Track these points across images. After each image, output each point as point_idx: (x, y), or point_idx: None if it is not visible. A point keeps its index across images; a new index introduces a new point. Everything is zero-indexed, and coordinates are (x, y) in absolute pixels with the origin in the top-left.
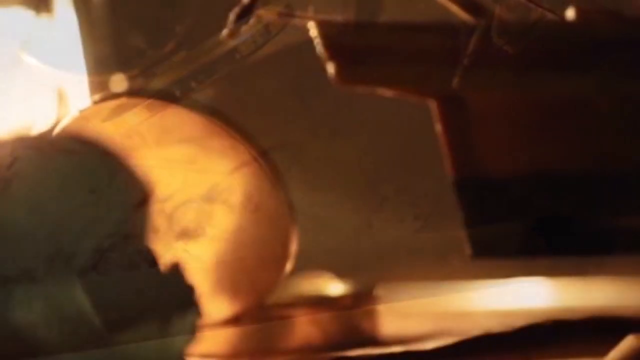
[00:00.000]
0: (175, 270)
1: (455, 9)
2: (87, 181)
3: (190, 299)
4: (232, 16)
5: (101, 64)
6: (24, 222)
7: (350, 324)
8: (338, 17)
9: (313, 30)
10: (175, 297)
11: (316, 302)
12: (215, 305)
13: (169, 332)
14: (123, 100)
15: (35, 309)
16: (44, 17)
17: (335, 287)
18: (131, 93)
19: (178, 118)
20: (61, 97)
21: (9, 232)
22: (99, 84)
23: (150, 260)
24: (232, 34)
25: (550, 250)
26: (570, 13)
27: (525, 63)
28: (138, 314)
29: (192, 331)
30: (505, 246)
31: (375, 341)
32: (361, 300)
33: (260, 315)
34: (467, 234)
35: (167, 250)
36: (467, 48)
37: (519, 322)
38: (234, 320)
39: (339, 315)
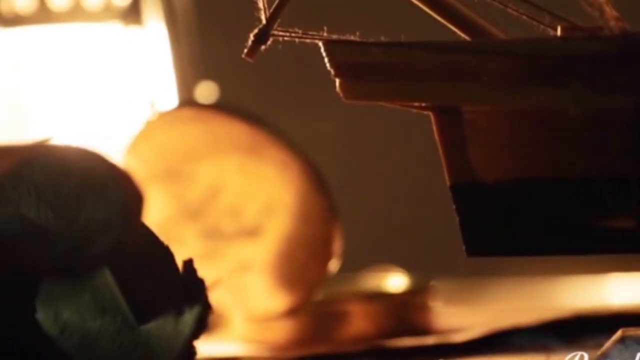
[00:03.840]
0: (188, 265)
1: (453, 27)
2: (97, 186)
3: (199, 292)
4: (251, 37)
5: (189, 73)
6: (52, 223)
7: (404, 317)
8: (344, 37)
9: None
10: (187, 290)
11: (372, 296)
12: (273, 299)
13: (181, 322)
14: (184, 110)
15: (83, 301)
16: (134, 30)
17: (391, 282)
18: (190, 103)
19: (230, 128)
20: (153, 107)
21: (42, 232)
22: (187, 93)
23: (166, 255)
24: (251, 54)
25: (540, 249)
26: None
27: (512, 77)
28: (157, 305)
29: (200, 322)
30: (497, 245)
31: (425, 333)
32: (417, 294)
33: (317, 309)
34: (462, 235)
35: (231, 249)
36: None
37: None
38: (289, 313)
39: (394, 309)
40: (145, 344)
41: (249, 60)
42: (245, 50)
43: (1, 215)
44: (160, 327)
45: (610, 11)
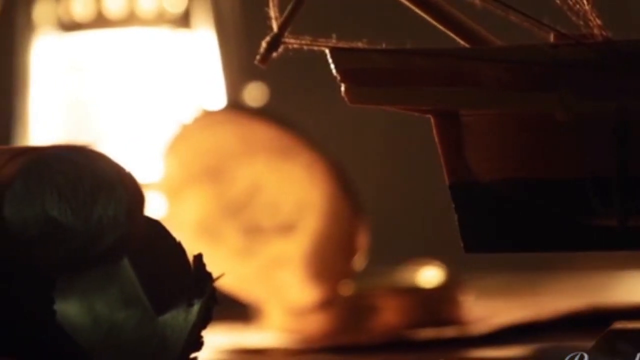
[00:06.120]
0: (198, 260)
1: (453, 35)
2: (106, 186)
3: (207, 284)
4: (263, 44)
5: (237, 76)
6: (71, 220)
7: (435, 310)
8: (351, 44)
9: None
10: (196, 282)
11: (405, 290)
12: (305, 292)
13: (191, 312)
14: (217, 113)
15: (112, 294)
16: (185, 34)
17: (425, 276)
18: (225, 107)
19: (261, 130)
20: (200, 108)
21: (63, 230)
22: (235, 95)
23: (178, 250)
24: (263, 61)
25: (532, 245)
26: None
27: (507, 83)
28: (172, 297)
29: (206, 313)
30: (492, 241)
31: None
32: (449, 288)
33: (351, 302)
34: (460, 231)
35: (268, 245)
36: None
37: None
38: (321, 305)
39: (425, 303)
40: (161, 334)
41: (262, 66)
42: (258, 57)
43: (29, 214)
44: (174, 317)
45: (594, 20)
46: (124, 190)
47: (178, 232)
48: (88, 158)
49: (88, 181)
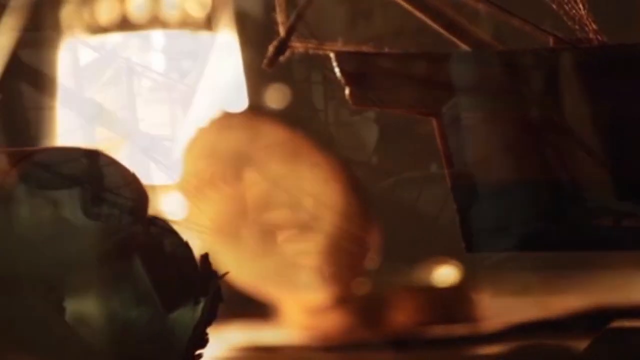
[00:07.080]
0: (205, 259)
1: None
2: (112, 188)
3: (213, 283)
4: (271, 48)
5: (259, 78)
6: (81, 221)
7: (449, 308)
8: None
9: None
10: (203, 281)
11: (420, 288)
12: (321, 290)
13: (197, 310)
14: (236, 116)
15: (126, 291)
16: (205, 37)
17: (438, 274)
18: (242, 110)
19: (275, 133)
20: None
21: (74, 230)
22: (257, 97)
23: (186, 250)
24: (271, 64)
25: (533, 245)
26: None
27: (504, 85)
28: (180, 295)
29: (211, 311)
30: (493, 242)
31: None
32: (462, 286)
33: (367, 300)
34: (462, 232)
35: (284, 245)
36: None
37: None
38: (337, 303)
39: (439, 301)
40: (169, 331)
41: (268, 70)
42: (265, 61)
43: (43, 215)
44: (181, 315)
45: (589, 25)
46: (128, 191)
47: (196, 233)
48: (95, 160)
49: (95, 183)
